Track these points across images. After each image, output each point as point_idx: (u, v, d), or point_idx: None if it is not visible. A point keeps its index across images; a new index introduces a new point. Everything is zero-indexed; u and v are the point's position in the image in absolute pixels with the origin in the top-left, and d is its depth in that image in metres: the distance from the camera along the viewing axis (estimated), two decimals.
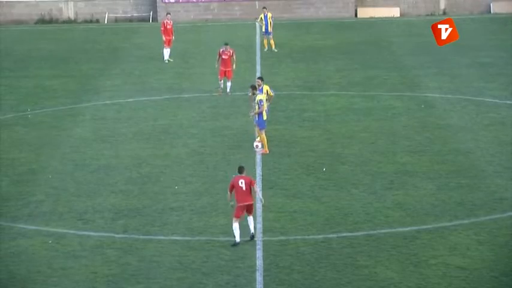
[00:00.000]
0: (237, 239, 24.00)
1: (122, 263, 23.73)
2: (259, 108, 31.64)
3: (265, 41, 50.63)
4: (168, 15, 49.81)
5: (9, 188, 29.50)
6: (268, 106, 32.77)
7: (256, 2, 54.01)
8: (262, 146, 31.81)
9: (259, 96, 32.08)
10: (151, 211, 27.33)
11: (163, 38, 47.43)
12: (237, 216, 23.90)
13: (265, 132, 32.60)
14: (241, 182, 24.04)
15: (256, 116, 31.80)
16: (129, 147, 33.55)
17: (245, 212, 24.22)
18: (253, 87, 32.64)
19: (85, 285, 22.33)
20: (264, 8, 53.01)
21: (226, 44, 40.38)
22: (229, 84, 39.82)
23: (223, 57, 39.84)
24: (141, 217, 26.86)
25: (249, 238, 24.51)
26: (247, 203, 24.03)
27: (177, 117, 36.79)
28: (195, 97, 39.07)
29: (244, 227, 24.19)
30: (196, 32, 51.52)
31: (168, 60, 47.26)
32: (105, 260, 23.91)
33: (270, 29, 50.23)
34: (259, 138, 32.22)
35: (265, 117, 31.91)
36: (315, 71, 44.31)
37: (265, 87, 33.07)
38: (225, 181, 29.34)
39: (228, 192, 24.29)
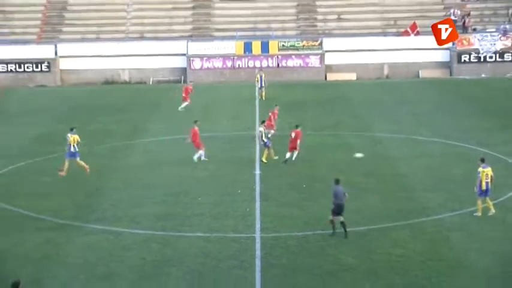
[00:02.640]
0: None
1: (162, 252, 23.85)
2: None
3: (259, 94, 50.87)
4: (191, 82, 50.07)
5: (83, 200, 29.59)
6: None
7: (256, 69, 54.17)
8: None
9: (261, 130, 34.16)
10: (182, 216, 27.40)
11: (183, 95, 47.38)
12: None
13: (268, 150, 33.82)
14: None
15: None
16: (166, 171, 33.54)
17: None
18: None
19: (136, 268, 22.48)
20: (260, 69, 53.45)
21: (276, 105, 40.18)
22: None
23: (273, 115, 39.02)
24: (175, 220, 26.94)
25: (253, 234, 24.52)
26: None
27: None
28: (213, 135, 39.10)
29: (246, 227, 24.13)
30: (213, 90, 51.76)
31: (182, 109, 47.10)
32: (149, 250, 24.02)
33: (262, 84, 50.45)
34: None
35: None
36: (298, 117, 44.29)
37: (261, 128, 34.35)
38: (233, 194, 29.70)
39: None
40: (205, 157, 34.30)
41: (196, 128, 34.55)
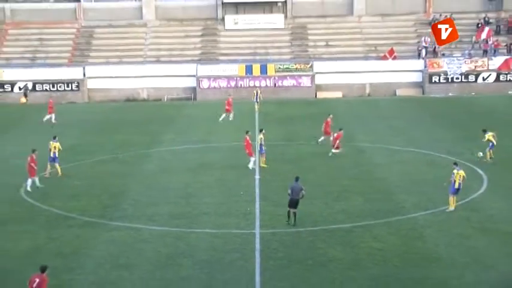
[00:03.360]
0: None
1: (175, 246, 23.85)
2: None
3: (256, 106, 51.01)
4: (230, 96, 49.62)
5: (107, 201, 29.43)
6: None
7: (260, 91, 54.29)
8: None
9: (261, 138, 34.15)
10: (192, 214, 27.38)
11: (226, 107, 47.38)
12: None
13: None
14: None
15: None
16: (179, 176, 33.48)
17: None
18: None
19: (152, 259, 22.48)
20: (257, 88, 53.77)
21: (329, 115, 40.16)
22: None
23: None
24: (186, 218, 26.91)
25: (253, 231, 24.57)
26: None
27: (207, 158, 36.79)
28: (219, 145, 39.20)
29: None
30: (219, 106, 51.73)
31: (230, 119, 47.13)
32: (164, 244, 24.02)
33: (257, 100, 50.76)
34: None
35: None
36: (291, 130, 44.49)
37: (260, 135, 34.36)
38: (236, 196, 29.62)
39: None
40: (254, 165, 33.48)
41: (247, 137, 34.07)
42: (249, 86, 57.53)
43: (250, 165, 33.55)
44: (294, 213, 25.25)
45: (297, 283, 20.64)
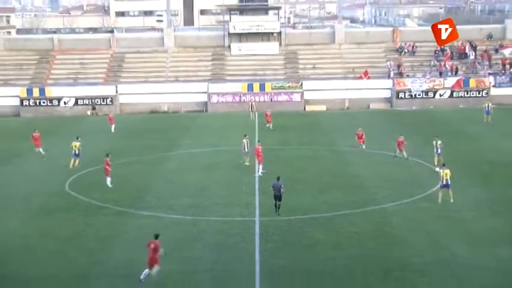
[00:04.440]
0: None
1: (190, 231, 23.92)
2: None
3: (251, 114, 51.16)
4: (268, 109, 48.75)
5: (135, 193, 29.37)
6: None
7: (255, 102, 54.24)
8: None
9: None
10: (205, 205, 27.37)
11: (267, 119, 46.43)
12: None
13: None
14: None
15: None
16: (194, 173, 33.43)
17: None
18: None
19: (172, 242, 22.38)
20: (253, 100, 53.81)
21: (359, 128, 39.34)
22: None
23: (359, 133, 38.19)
24: (199, 208, 26.93)
25: (254, 218, 24.48)
26: None
27: (216, 159, 36.76)
28: (227, 149, 39.18)
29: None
30: (226, 117, 51.71)
31: (270, 128, 46.15)
32: (182, 229, 24.07)
33: (253, 109, 51.18)
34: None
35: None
36: (285, 136, 44.50)
37: (244, 140, 34.44)
38: (240, 190, 29.54)
39: None
40: (263, 169, 32.29)
41: (259, 146, 33.05)
42: (251, 101, 57.39)
43: (260, 172, 32.10)
44: (279, 205, 25.22)
45: (290, 261, 20.66)
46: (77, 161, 34.72)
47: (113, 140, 43.50)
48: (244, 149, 34.33)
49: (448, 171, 26.51)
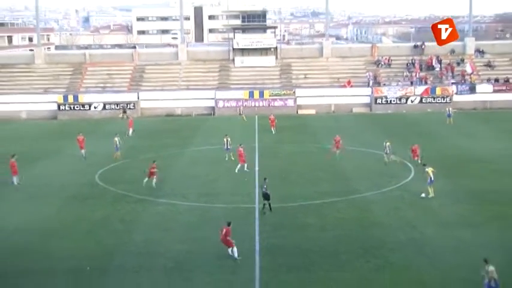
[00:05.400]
0: None
1: (201, 217, 23.83)
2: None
3: (242, 117, 51.07)
4: (272, 115, 47.37)
5: (156, 184, 29.12)
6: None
7: (256, 108, 54.10)
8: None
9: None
10: (213, 194, 27.32)
11: (272, 124, 44.68)
12: None
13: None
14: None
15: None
16: (203, 167, 33.28)
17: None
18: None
19: (185, 226, 22.39)
20: (241, 106, 53.93)
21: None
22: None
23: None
24: (209, 196, 26.86)
25: (253, 205, 24.40)
26: None
27: (222, 155, 36.39)
28: (232, 147, 38.87)
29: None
30: (230, 120, 51.61)
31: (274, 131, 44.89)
32: (194, 215, 23.98)
33: (241, 113, 51.40)
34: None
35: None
36: (280, 136, 44.36)
37: (225, 139, 34.51)
38: (242, 181, 29.38)
39: None
40: (247, 168, 31.14)
41: (241, 148, 31.84)
42: (251, 106, 57.40)
43: (243, 170, 31.09)
44: (269, 204, 23.61)
45: (284, 241, 20.64)
46: (118, 154, 35.37)
47: (135, 140, 43.27)
48: (226, 145, 34.27)
49: (431, 169, 25.74)
